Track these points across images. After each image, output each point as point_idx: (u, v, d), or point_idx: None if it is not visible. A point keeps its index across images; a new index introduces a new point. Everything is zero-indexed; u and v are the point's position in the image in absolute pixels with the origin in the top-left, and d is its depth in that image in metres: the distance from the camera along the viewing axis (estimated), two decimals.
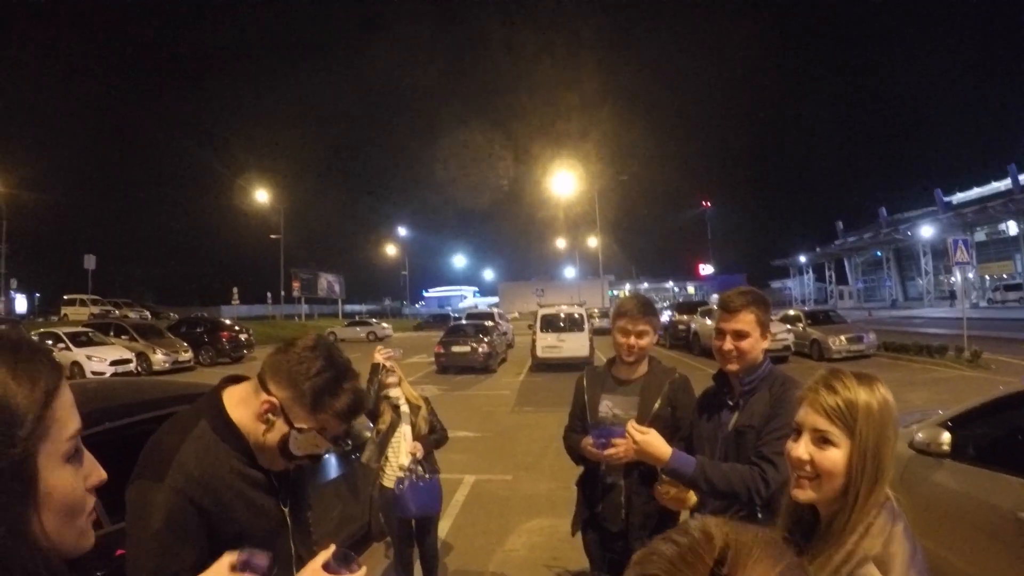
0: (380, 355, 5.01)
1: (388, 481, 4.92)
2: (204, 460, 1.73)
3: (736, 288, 3.05)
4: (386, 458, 4.99)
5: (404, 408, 5.05)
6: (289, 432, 1.79)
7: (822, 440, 1.64)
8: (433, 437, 5.12)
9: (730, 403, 2.97)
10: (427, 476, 4.85)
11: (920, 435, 4.69)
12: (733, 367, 2.90)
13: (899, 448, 5.13)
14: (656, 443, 2.78)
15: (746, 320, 2.87)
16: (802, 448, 1.67)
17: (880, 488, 1.58)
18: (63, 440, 0.93)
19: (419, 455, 4.82)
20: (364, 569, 1.77)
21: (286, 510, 1.93)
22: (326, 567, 1.71)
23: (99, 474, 1.02)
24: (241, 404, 1.84)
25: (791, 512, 1.78)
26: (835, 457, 1.61)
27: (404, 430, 4.99)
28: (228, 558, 1.59)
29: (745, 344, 2.86)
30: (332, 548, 1.75)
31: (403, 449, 4.92)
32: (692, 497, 3.02)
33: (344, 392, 1.82)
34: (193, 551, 1.64)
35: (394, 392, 5.07)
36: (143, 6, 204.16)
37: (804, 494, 1.68)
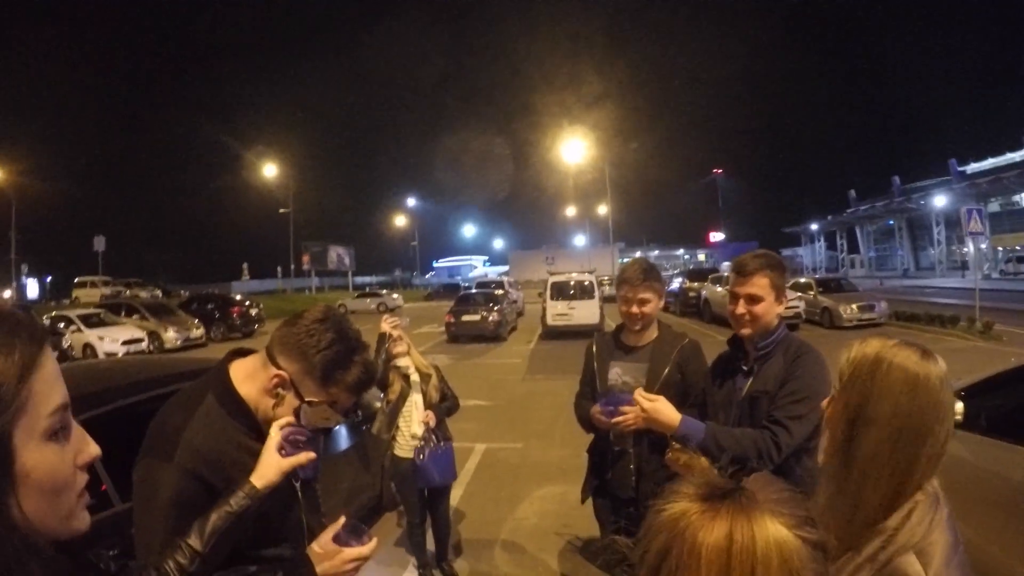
0: (387, 324, 5.00)
1: (401, 451, 4.93)
2: (211, 436, 1.74)
3: (751, 251, 3.01)
4: (397, 428, 4.98)
5: (415, 377, 5.03)
6: (300, 406, 1.79)
7: (833, 398, 1.60)
8: (445, 405, 5.11)
9: (744, 368, 2.96)
10: (442, 444, 4.88)
11: None
12: (747, 331, 2.88)
13: None
14: (665, 410, 2.78)
15: (760, 284, 2.84)
16: (827, 400, 1.64)
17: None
18: (43, 416, 0.85)
19: (431, 423, 4.84)
20: (375, 540, 1.79)
21: (297, 484, 1.94)
22: (336, 539, 1.74)
23: (90, 451, 0.95)
24: (248, 379, 1.85)
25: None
26: (833, 409, 1.58)
27: (415, 399, 4.97)
28: (331, 531, 1.74)
29: (759, 308, 2.84)
30: (343, 520, 1.78)
31: (415, 418, 4.91)
32: (704, 463, 3.02)
33: (355, 364, 1.82)
34: None
35: (403, 361, 5.03)
36: None
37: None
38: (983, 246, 45.73)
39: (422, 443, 4.77)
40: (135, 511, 1.70)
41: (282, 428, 1.77)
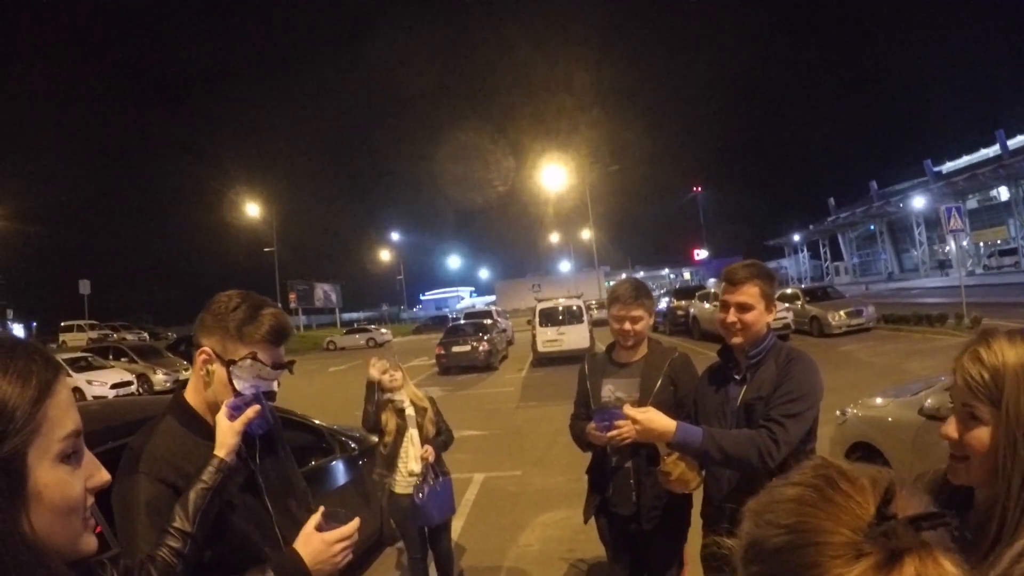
0: (375, 370, 4.86)
1: (399, 488, 4.83)
2: (171, 449, 1.82)
3: (740, 261, 3.02)
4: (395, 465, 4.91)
5: (410, 411, 4.88)
6: (229, 371, 1.86)
7: (970, 416, 1.39)
8: (440, 439, 5.00)
9: (736, 377, 2.96)
10: (440, 480, 4.79)
11: (930, 401, 4.68)
12: (737, 340, 2.88)
13: (910, 415, 5.18)
14: (658, 419, 2.74)
15: (750, 292, 2.85)
16: (951, 425, 1.43)
17: None
18: (57, 439, 0.92)
19: (430, 459, 4.76)
20: (356, 519, 1.88)
21: (255, 468, 2.00)
22: (318, 528, 1.82)
23: (102, 476, 1.03)
24: (194, 389, 1.96)
25: (938, 486, 1.53)
26: (981, 436, 1.36)
27: (411, 434, 4.84)
28: (312, 523, 1.82)
29: (749, 317, 2.84)
30: (322, 509, 1.88)
31: (411, 455, 4.80)
32: (695, 479, 3.00)
33: (265, 316, 1.91)
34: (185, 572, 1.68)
35: (398, 395, 4.90)
36: (130, 30, 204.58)
37: (955, 477, 1.45)
38: (964, 243, 46.08)
39: (420, 480, 4.68)
40: (117, 530, 1.75)
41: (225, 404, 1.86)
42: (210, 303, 1.92)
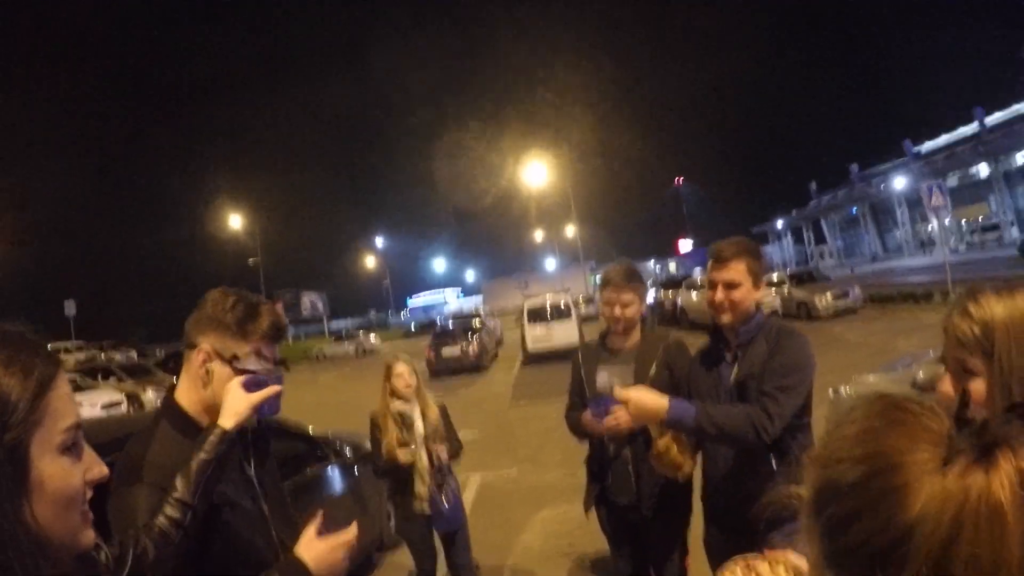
0: (400, 381, 4.48)
1: (416, 505, 4.43)
2: (172, 455, 1.76)
3: (727, 238, 2.98)
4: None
5: (419, 427, 4.47)
6: (234, 367, 1.86)
7: (964, 370, 1.41)
8: (451, 450, 4.64)
9: (727, 357, 2.94)
10: (454, 486, 4.61)
11: (921, 373, 4.69)
12: (727, 318, 2.86)
13: (901, 389, 5.18)
14: (648, 397, 2.72)
15: (737, 269, 2.82)
16: (946, 382, 1.47)
17: None
18: (58, 431, 0.94)
19: (444, 459, 4.50)
20: (355, 524, 1.90)
21: (251, 473, 1.98)
22: (318, 533, 1.82)
23: (100, 469, 1.04)
24: (187, 392, 1.92)
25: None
26: (977, 387, 1.37)
27: (420, 453, 4.42)
28: (312, 528, 1.82)
29: (737, 294, 2.82)
30: (320, 514, 1.87)
31: (421, 473, 4.40)
32: (688, 462, 2.98)
33: (263, 314, 1.92)
34: (182, 543, 1.65)
35: (408, 407, 4.52)
36: (112, 42, 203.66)
37: None
38: (947, 220, 46.37)
39: (433, 485, 4.40)
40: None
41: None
42: (202, 302, 1.91)
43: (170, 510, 1.60)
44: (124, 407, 23.18)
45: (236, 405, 1.78)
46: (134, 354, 44.41)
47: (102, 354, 43.67)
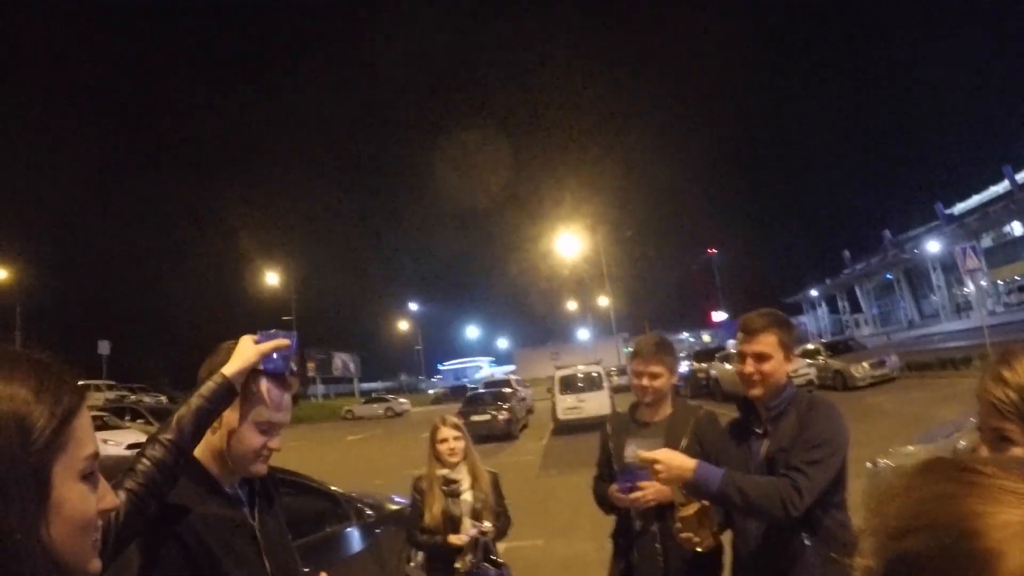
0: (447, 443, 4.14)
1: None
2: (176, 499, 1.72)
3: (756, 310, 2.90)
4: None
5: (467, 496, 4.11)
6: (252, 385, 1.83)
7: (1000, 438, 1.32)
8: (498, 526, 4.18)
9: (758, 431, 2.82)
10: (495, 572, 4.07)
11: (963, 442, 4.52)
12: (757, 392, 2.75)
13: None
14: (675, 457, 2.60)
15: (767, 342, 2.73)
16: (982, 452, 1.38)
17: None
18: (79, 458, 0.98)
19: (488, 535, 4.03)
20: None
21: (255, 523, 1.91)
22: None
23: (112, 499, 1.08)
24: (203, 442, 1.83)
25: None
26: (1016, 457, 1.27)
27: (465, 524, 4.01)
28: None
29: (767, 367, 2.71)
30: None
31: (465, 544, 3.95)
32: (708, 537, 2.81)
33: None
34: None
35: (456, 473, 4.14)
36: (156, 96, 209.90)
37: None
38: (983, 282, 45.76)
39: (471, 563, 3.92)
40: None
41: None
42: (216, 350, 1.87)
43: (159, 450, 1.61)
44: None
45: (243, 352, 1.78)
46: (163, 399, 44.57)
47: (132, 395, 43.96)
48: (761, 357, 2.73)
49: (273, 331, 1.85)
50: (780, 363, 2.74)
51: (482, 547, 4.02)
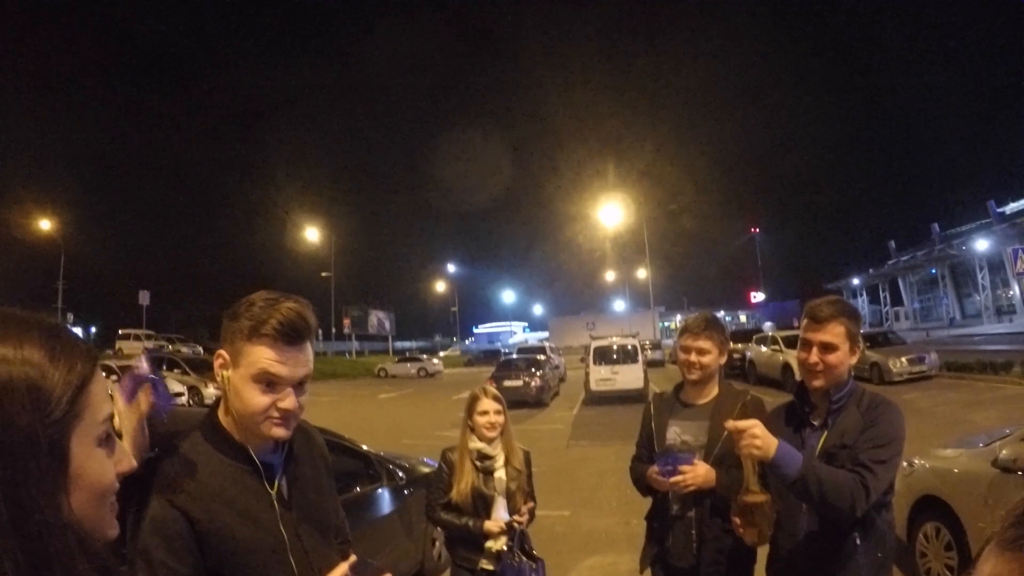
0: (488, 416, 3.85)
1: (482, 563, 3.80)
2: (190, 468, 1.71)
3: (825, 297, 2.85)
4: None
5: (500, 475, 3.90)
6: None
7: None
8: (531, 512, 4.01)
9: (814, 423, 2.78)
10: (531, 564, 3.87)
11: (1005, 452, 4.47)
12: (818, 383, 2.71)
13: (981, 467, 4.95)
14: (762, 431, 2.47)
15: (835, 332, 2.68)
16: None
17: None
18: (96, 423, 0.97)
19: (523, 523, 3.89)
20: (388, 574, 1.83)
21: (272, 492, 1.80)
22: None
23: (129, 461, 1.07)
24: (223, 401, 1.83)
25: None
26: None
27: (498, 504, 3.87)
28: (341, 570, 1.78)
29: (833, 358, 2.67)
30: (353, 558, 1.83)
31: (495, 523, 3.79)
32: (768, 530, 2.76)
33: (279, 308, 1.72)
34: (185, 563, 1.61)
35: (491, 448, 3.89)
36: (201, 52, 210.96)
37: None
38: None
39: (505, 552, 3.75)
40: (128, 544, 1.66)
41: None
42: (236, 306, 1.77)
43: None
44: (185, 398, 23.79)
45: (127, 428, 1.77)
46: (200, 350, 45.21)
47: (170, 346, 44.92)
48: (827, 347, 2.68)
49: (135, 381, 1.82)
50: (845, 355, 2.70)
51: (518, 536, 3.82)
